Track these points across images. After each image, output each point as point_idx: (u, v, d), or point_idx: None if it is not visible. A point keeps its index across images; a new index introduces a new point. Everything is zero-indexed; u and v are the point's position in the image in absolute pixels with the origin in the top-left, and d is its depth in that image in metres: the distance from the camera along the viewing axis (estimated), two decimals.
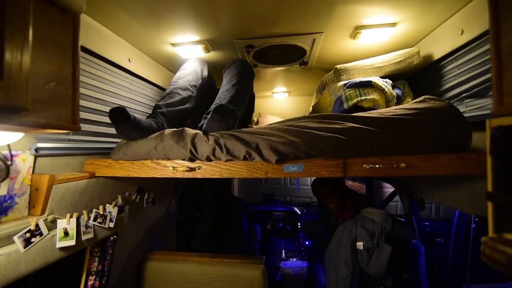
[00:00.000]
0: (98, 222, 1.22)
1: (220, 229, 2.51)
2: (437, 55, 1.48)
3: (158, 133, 1.22)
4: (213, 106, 1.33)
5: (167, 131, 1.21)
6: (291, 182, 4.85)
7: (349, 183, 3.75)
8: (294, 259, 2.96)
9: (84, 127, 1.22)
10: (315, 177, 2.22)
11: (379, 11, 1.29)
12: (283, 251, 3.15)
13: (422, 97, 1.25)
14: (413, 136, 1.08)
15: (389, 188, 3.67)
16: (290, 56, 1.83)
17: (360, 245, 1.69)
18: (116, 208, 1.33)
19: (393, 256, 1.63)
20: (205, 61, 1.72)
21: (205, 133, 1.20)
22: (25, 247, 0.90)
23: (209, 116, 1.19)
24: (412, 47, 1.61)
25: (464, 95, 1.31)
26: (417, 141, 1.07)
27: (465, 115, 1.23)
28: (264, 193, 4.38)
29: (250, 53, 1.74)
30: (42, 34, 0.67)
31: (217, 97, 1.44)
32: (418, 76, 1.70)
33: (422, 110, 1.15)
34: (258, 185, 4.97)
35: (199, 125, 1.31)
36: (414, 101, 1.29)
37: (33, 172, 0.99)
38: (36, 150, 0.99)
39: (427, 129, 1.08)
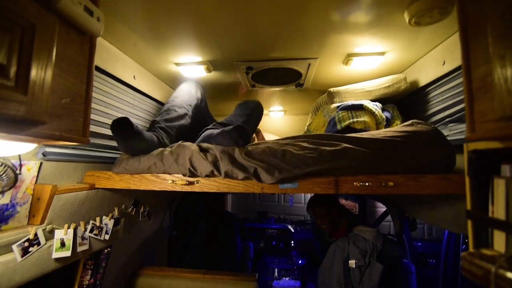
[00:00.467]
0: (94, 234, 1.23)
1: (213, 245, 2.49)
2: (423, 82, 1.60)
3: (158, 150, 1.26)
4: (230, 117, 1.47)
5: (167, 150, 1.25)
6: (285, 199, 4.87)
7: (342, 201, 3.78)
8: (287, 278, 2.92)
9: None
10: (311, 196, 2.27)
11: (369, 41, 1.40)
12: (276, 269, 3.10)
13: (411, 121, 1.34)
14: (401, 157, 1.15)
15: (381, 208, 3.71)
16: (286, 78, 1.93)
17: (352, 263, 1.71)
18: (112, 221, 1.34)
19: (385, 274, 1.65)
20: (198, 83, 1.87)
21: (208, 138, 1.27)
22: (22, 256, 0.91)
23: (226, 129, 1.23)
24: (400, 73, 1.73)
25: (447, 119, 1.41)
26: (405, 162, 1.14)
27: (449, 138, 1.31)
28: (258, 210, 4.37)
29: (249, 74, 1.83)
30: (62, 54, 0.74)
31: (229, 116, 1.56)
32: (407, 100, 1.82)
33: (410, 133, 1.23)
34: (251, 202, 4.97)
35: (207, 131, 1.39)
36: (403, 124, 1.37)
37: (36, 182, 1.02)
38: (44, 154, 1.03)
39: (414, 150, 1.16)
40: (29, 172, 0.98)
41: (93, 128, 1.31)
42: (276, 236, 3.41)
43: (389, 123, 1.65)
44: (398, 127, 1.36)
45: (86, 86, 0.81)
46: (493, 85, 0.58)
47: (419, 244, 3.24)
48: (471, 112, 0.67)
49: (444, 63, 1.37)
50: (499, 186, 0.69)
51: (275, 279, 2.94)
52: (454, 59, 1.29)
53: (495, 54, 0.57)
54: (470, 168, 0.78)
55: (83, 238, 1.17)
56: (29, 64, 0.60)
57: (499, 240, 0.69)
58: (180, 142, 1.27)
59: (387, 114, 1.66)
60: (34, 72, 0.61)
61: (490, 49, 0.59)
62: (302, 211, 4.75)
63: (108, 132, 1.41)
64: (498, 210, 0.69)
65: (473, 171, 0.77)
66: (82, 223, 1.17)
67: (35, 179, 1.01)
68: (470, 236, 0.79)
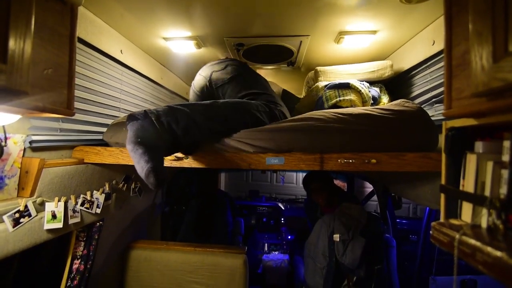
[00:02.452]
0: (85, 208, 1.26)
1: (204, 222, 2.56)
2: (413, 62, 1.60)
3: None
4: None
5: None
6: (276, 179, 4.97)
7: None
8: (276, 252, 3.06)
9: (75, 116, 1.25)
10: (306, 174, 2.33)
11: (361, 19, 1.38)
12: (266, 244, 3.24)
13: (399, 100, 1.36)
14: (387, 134, 1.18)
15: (369, 188, 3.83)
16: (278, 56, 1.91)
17: (336, 237, 1.80)
18: (103, 195, 1.37)
19: (367, 248, 1.75)
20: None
21: None
22: (14, 226, 0.94)
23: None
24: (391, 54, 1.73)
25: (434, 100, 1.43)
26: (390, 140, 1.17)
27: (434, 118, 1.35)
28: (250, 189, 4.47)
29: (240, 51, 1.80)
30: (42, 23, 0.71)
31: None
32: (396, 80, 1.83)
33: (396, 111, 1.25)
34: (244, 182, 5.06)
35: None
36: (392, 103, 1.39)
37: (23, 155, 1.02)
38: (30, 143, 1.04)
39: (399, 129, 1.19)
40: (15, 145, 0.98)
41: (80, 105, 1.29)
42: (266, 213, 3.51)
43: (375, 101, 1.68)
44: (387, 106, 1.38)
45: (69, 57, 0.80)
46: (469, 62, 0.59)
47: (403, 221, 3.40)
48: (449, 89, 0.69)
49: (433, 43, 1.37)
50: (471, 161, 0.73)
51: (265, 253, 3.08)
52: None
53: (474, 31, 0.58)
54: (447, 144, 0.81)
55: (74, 211, 1.20)
56: (6, 31, 0.59)
57: (466, 211, 0.74)
58: None
59: (374, 92, 1.68)
60: (12, 40, 0.60)
61: (470, 26, 0.59)
62: (293, 190, 4.88)
63: (95, 108, 1.40)
64: (468, 184, 0.74)
65: (449, 148, 0.80)
66: (72, 197, 1.19)
67: (22, 152, 1.01)
68: (442, 208, 0.84)
